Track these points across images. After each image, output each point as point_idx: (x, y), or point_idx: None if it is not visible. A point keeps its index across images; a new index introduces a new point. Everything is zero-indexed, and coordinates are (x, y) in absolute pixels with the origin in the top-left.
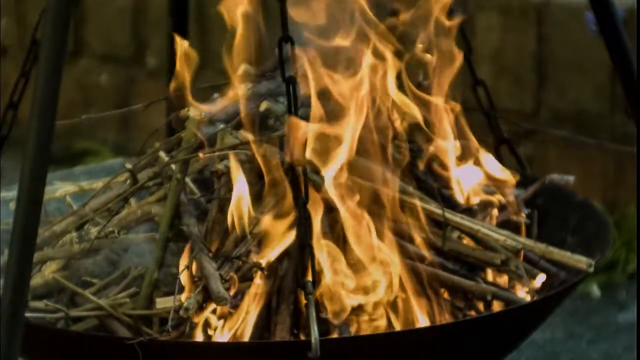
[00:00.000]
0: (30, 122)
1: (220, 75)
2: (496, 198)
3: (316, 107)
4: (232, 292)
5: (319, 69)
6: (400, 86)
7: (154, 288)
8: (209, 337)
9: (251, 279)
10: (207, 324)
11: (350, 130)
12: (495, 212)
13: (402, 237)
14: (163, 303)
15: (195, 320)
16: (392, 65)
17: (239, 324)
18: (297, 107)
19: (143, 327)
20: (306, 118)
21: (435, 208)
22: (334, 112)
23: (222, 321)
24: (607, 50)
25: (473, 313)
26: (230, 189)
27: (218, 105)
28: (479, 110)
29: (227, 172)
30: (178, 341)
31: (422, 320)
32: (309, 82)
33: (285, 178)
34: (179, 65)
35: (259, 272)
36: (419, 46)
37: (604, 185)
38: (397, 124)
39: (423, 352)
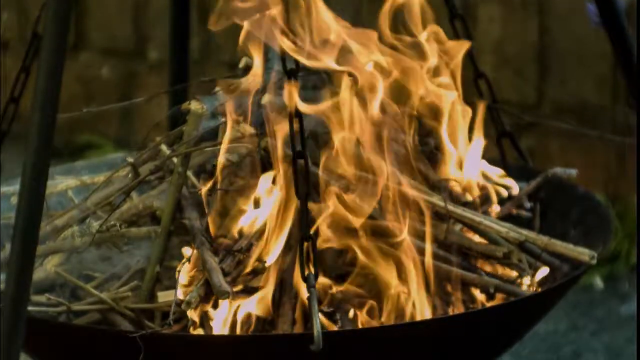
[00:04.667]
0: (31, 116)
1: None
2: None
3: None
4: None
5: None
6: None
7: (156, 282)
8: (211, 330)
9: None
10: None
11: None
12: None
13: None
14: (165, 297)
15: (197, 313)
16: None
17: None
18: (299, 100)
19: (145, 320)
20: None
21: (437, 200)
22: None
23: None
24: (609, 42)
25: (476, 305)
26: (231, 182)
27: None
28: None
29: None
30: (180, 334)
31: (424, 313)
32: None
33: (288, 170)
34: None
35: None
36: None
37: (606, 177)
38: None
39: (425, 344)
